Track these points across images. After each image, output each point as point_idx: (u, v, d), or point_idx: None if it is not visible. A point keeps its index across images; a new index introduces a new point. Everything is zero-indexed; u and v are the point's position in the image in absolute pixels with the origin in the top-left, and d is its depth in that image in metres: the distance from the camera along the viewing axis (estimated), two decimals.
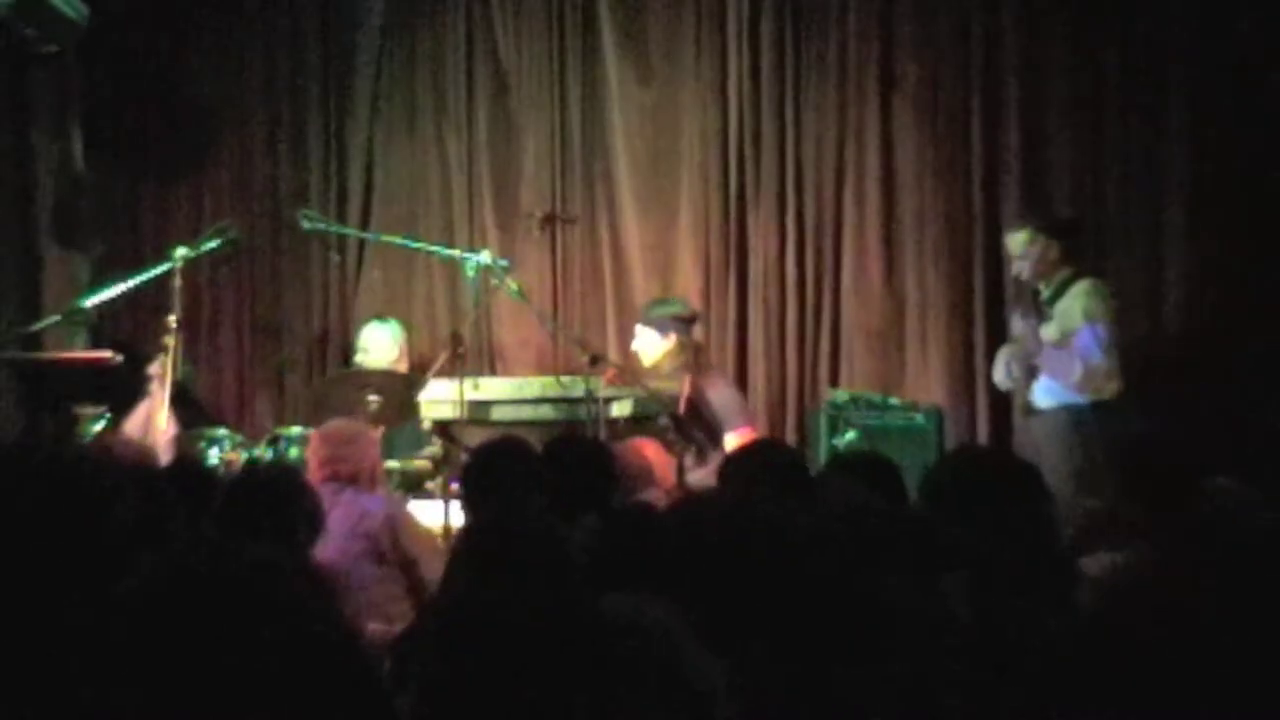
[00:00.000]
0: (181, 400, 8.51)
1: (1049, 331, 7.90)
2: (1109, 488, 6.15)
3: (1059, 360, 7.80)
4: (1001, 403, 8.71)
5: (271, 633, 2.39)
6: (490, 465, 5.77)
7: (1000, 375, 8.18)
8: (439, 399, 7.70)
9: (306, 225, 8.81)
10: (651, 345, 8.59)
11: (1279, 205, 8.52)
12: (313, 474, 6.50)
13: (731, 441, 7.90)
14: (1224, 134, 8.65)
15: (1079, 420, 7.75)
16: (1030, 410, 7.96)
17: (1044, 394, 7.93)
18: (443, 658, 2.45)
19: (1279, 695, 2.40)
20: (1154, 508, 4.90)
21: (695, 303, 9.44)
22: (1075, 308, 7.87)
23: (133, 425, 8.41)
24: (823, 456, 8.36)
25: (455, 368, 7.66)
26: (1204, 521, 4.47)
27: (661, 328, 8.63)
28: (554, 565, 3.95)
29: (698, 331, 8.88)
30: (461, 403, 7.48)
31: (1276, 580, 2.71)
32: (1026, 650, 3.31)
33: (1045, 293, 7.99)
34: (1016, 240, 8.09)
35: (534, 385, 7.94)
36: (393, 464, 8.15)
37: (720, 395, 8.34)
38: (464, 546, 4.29)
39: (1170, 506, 4.76)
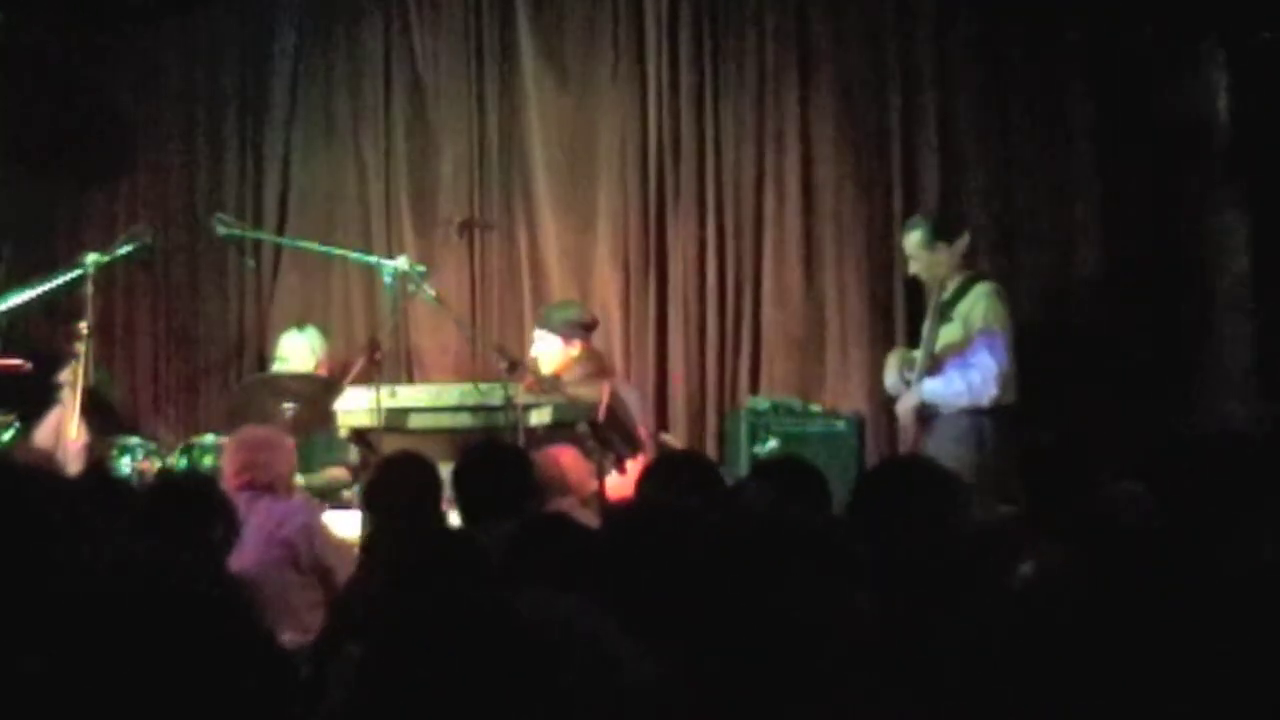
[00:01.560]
0: (94, 408, 8.45)
1: (951, 332, 7.98)
2: (1012, 492, 6.21)
3: (944, 385, 7.91)
4: (923, 411, 8.75)
5: (189, 640, 2.38)
6: (393, 480, 5.79)
7: (892, 380, 8.24)
8: (356, 407, 7.66)
9: (222, 231, 8.76)
10: (553, 351, 8.59)
11: (1186, 205, 8.63)
12: (229, 481, 6.49)
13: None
14: (1131, 133, 8.75)
15: (979, 425, 7.84)
16: (927, 412, 8.00)
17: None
18: (367, 663, 2.46)
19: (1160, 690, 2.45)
20: (1056, 513, 4.96)
21: (614, 308, 9.48)
22: (976, 311, 7.96)
23: (43, 434, 8.35)
24: (743, 464, 8.38)
25: (372, 375, 7.63)
26: (1104, 526, 4.53)
27: (565, 334, 8.62)
28: (467, 567, 3.96)
29: (596, 339, 8.91)
30: (379, 410, 7.45)
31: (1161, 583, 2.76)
32: (946, 660, 3.34)
33: (945, 294, 8.06)
34: (908, 240, 8.19)
35: (452, 392, 7.90)
36: (302, 479, 8.12)
37: (632, 401, 8.36)
38: (373, 552, 4.30)
39: (1072, 511, 4.82)
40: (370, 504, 5.90)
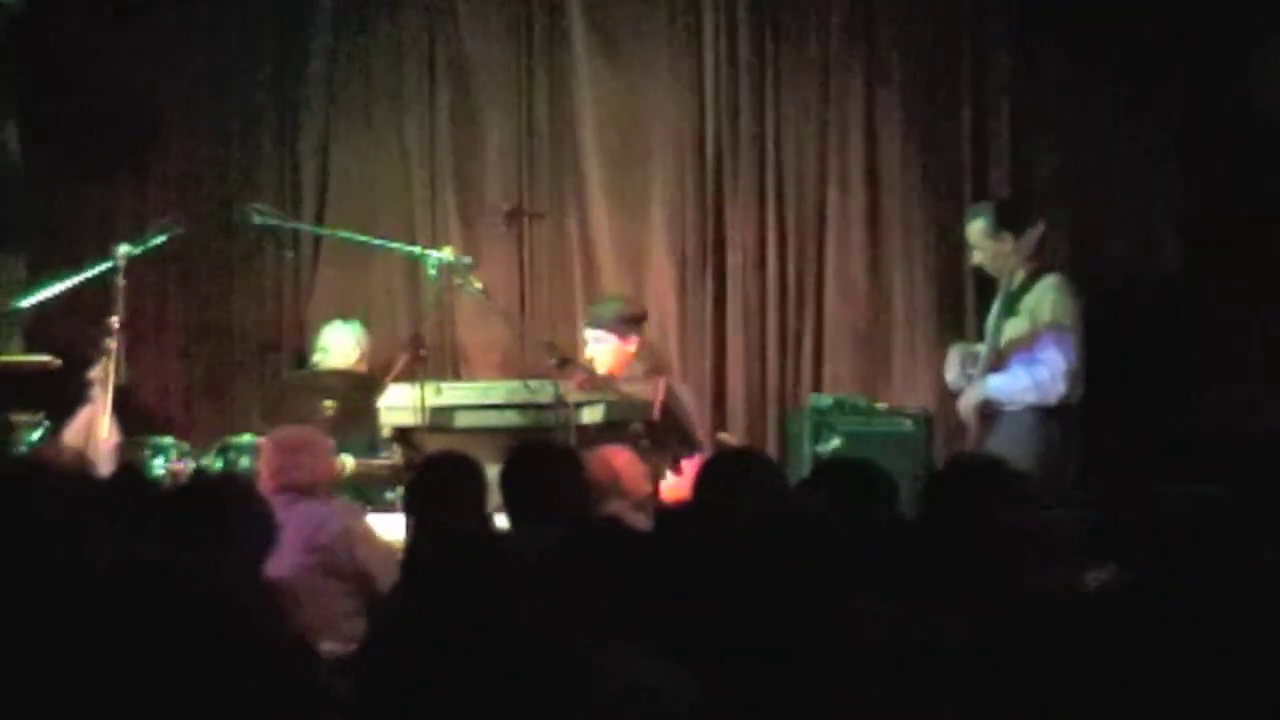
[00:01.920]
0: (126, 407, 8.50)
1: (1018, 326, 7.96)
2: (1078, 493, 6.20)
3: (1009, 382, 7.90)
4: (986, 408, 8.71)
5: (220, 651, 2.40)
6: (435, 481, 5.80)
7: (953, 375, 8.22)
8: (398, 405, 7.70)
9: (257, 220, 8.81)
10: (611, 349, 8.59)
11: (1271, 198, 8.59)
12: (265, 483, 6.49)
13: None
14: (1215, 122, 8.72)
15: (1044, 423, 7.86)
16: (990, 410, 7.99)
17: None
18: (391, 677, 2.47)
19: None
20: (1128, 516, 4.95)
21: (669, 301, 9.48)
22: (1044, 305, 7.97)
23: (73, 433, 8.39)
24: (806, 465, 8.37)
25: (416, 372, 7.66)
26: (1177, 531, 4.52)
27: (621, 330, 8.63)
28: (508, 577, 3.97)
29: (650, 334, 8.93)
30: (422, 409, 7.48)
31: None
32: (1011, 668, 3.34)
33: (1012, 285, 8.04)
34: (971, 229, 8.18)
35: (499, 390, 7.93)
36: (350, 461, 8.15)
37: (688, 397, 8.37)
38: (414, 558, 4.31)
39: (1144, 514, 4.82)
40: (411, 506, 5.92)
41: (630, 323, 8.68)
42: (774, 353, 9.47)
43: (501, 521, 5.91)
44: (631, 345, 8.61)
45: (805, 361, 9.44)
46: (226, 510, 5.21)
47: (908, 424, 8.70)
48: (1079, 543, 4.58)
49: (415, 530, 5.84)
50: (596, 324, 8.72)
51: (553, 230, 9.90)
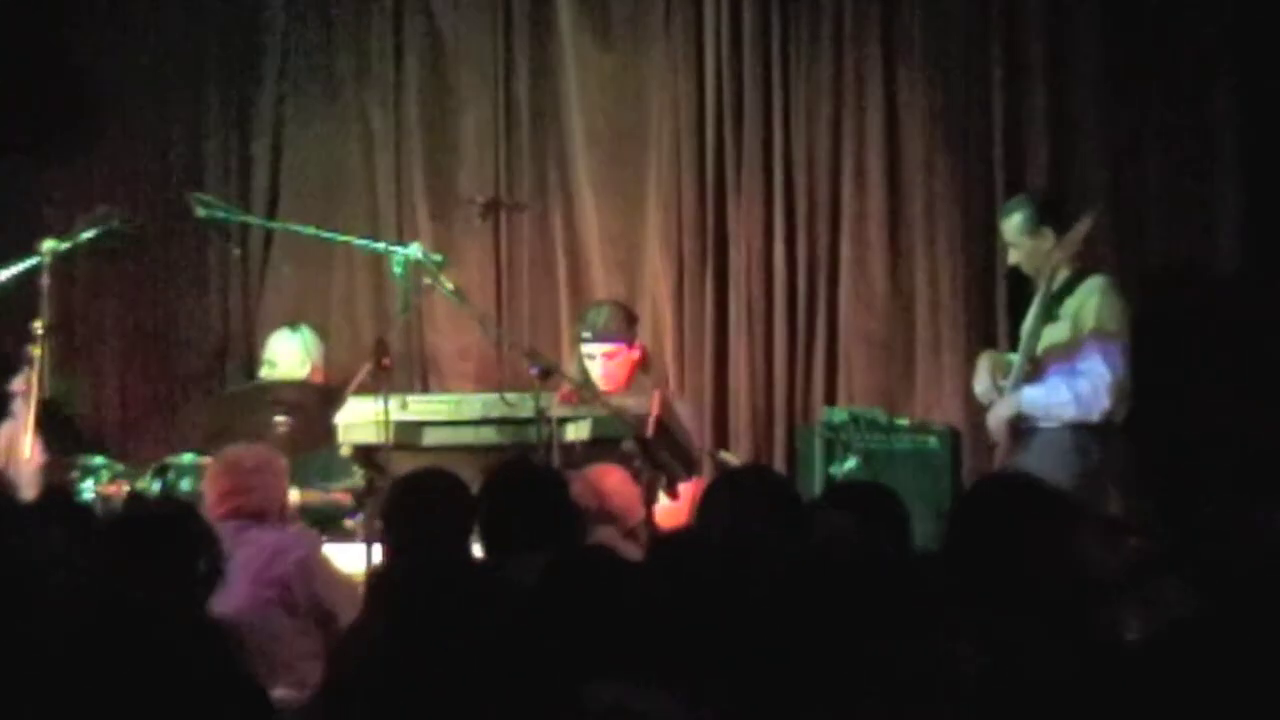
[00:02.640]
0: (53, 423, 8.45)
1: (1057, 332, 7.94)
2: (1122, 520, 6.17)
3: (1047, 394, 7.88)
4: (1018, 423, 8.66)
5: (162, 700, 2.36)
6: (414, 502, 5.76)
7: (983, 386, 8.19)
8: (360, 420, 7.66)
9: (202, 212, 8.76)
10: (624, 361, 8.59)
11: None
12: (211, 510, 6.52)
13: None
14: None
15: (1084, 442, 7.85)
16: (1024, 425, 7.96)
17: None
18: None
19: None
20: (1186, 546, 4.92)
21: (666, 304, 9.49)
22: (1088, 309, 7.95)
23: None
24: (817, 487, 8.37)
25: (380, 383, 7.62)
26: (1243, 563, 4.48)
27: (629, 337, 8.61)
28: (488, 615, 3.92)
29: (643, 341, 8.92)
30: (387, 424, 7.44)
31: None
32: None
33: (1051, 286, 8.01)
34: (1007, 225, 8.15)
35: (474, 404, 7.90)
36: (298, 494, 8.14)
37: (686, 412, 8.33)
38: (379, 592, 4.28)
39: (1206, 544, 4.78)
40: (386, 532, 5.87)
41: (632, 325, 8.70)
42: (782, 362, 9.44)
43: (476, 551, 5.89)
44: (637, 351, 8.63)
45: (817, 372, 9.41)
46: (168, 541, 5.17)
47: (932, 441, 8.72)
48: (1141, 575, 4.54)
49: (388, 558, 5.80)
50: (604, 336, 8.67)
51: (534, 225, 9.89)
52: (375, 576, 5.88)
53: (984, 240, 9.06)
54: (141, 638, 2.44)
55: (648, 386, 8.44)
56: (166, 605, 2.92)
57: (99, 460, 8.49)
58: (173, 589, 4.92)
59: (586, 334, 8.80)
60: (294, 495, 8.09)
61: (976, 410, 8.63)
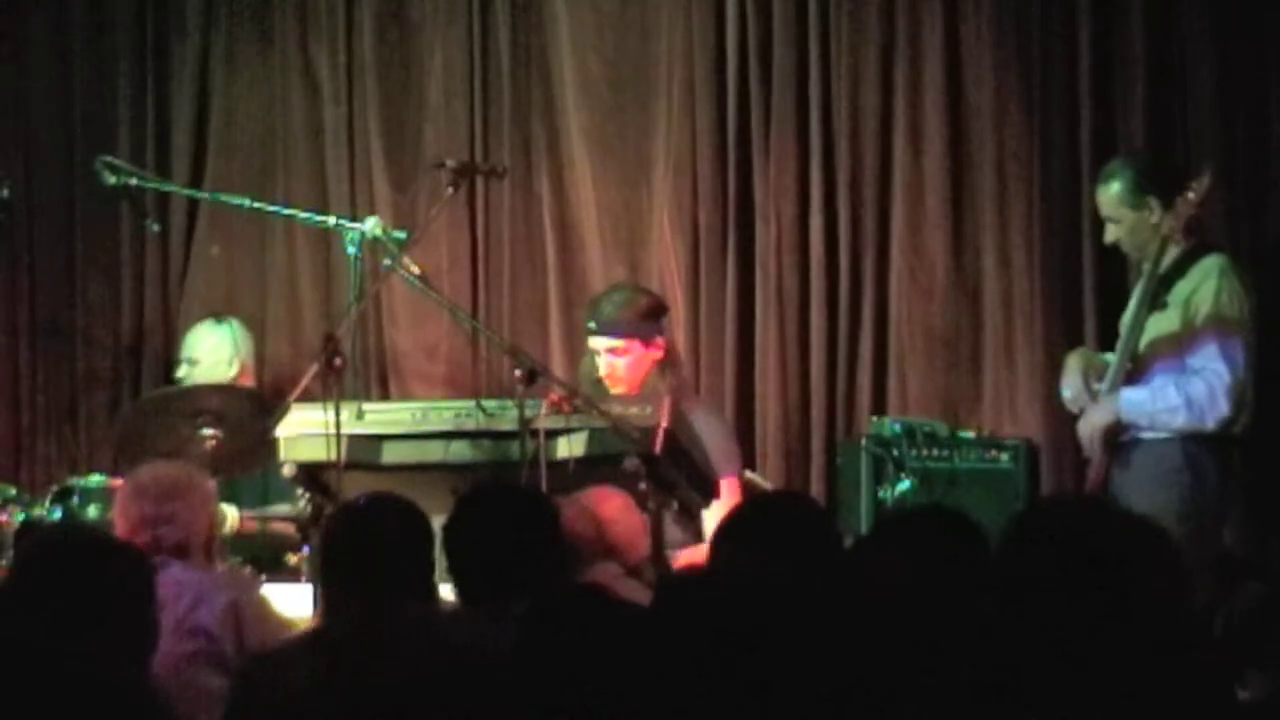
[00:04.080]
0: None
1: (1166, 323, 7.97)
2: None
3: (1152, 398, 7.90)
4: (1117, 433, 8.68)
5: None
6: (357, 540, 5.74)
7: (1074, 390, 8.20)
8: (305, 433, 7.67)
9: (110, 180, 8.76)
10: (638, 361, 8.57)
11: None
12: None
13: (724, 492, 7.94)
14: None
15: (1197, 456, 7.86)
16: (1124, 435, 7.98)
17: None
18: None
19: None
20: None
21: (676, 290, 9.53)
22: (1203, 296, 7.95)
23: None
24: (864, 515, 8.37)
25: (329, 388, 7.63)
26: None
27: (645, 333, 8.58)
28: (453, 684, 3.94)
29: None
30: (338, 438, 7.45)
31: None
32: None
33: (1158, 268, 8.02)
34: (1104, 196, 8.16)
35: (444, 413, 7.89)
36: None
37: (709, 425, 8.32)
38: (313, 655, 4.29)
39: None
40: (322, 580, 5.86)
41: (654, 320, 8.63)
42: (819, 363, 9.49)
43: (445, 593, 5.89)
44: (658, 350, 8.56)
45: (863, 375, 9.46)
46: (103, 580, 5.14)
47: (1004, 459, 8.76)
48: (1261, 626, 4.55)
49: (326, 609, 5.80)
50: (609, 329, 8.66)
51: (517, 195, 9.95)
52: (309, 636, 5.86)
53: (1067, 215, 9.09)
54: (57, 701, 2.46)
55: (661, 391, 8.42)
56: (106, 668, 2.92)
57: None
58: (110, 646, 4.86)
59: (591, 324, 8.79)
60: (230, 519, 8.12)
61: (1059, 421, 8.68)
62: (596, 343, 8.67)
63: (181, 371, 9.40)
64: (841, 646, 3.59)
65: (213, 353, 9.34)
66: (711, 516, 7.82)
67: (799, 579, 4.40)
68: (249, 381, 9.25)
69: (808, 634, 3.61)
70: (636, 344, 8.58)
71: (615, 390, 8.40)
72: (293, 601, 7.14)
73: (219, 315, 9.58)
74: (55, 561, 5.29)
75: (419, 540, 5.74)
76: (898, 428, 8.82)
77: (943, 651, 3.77)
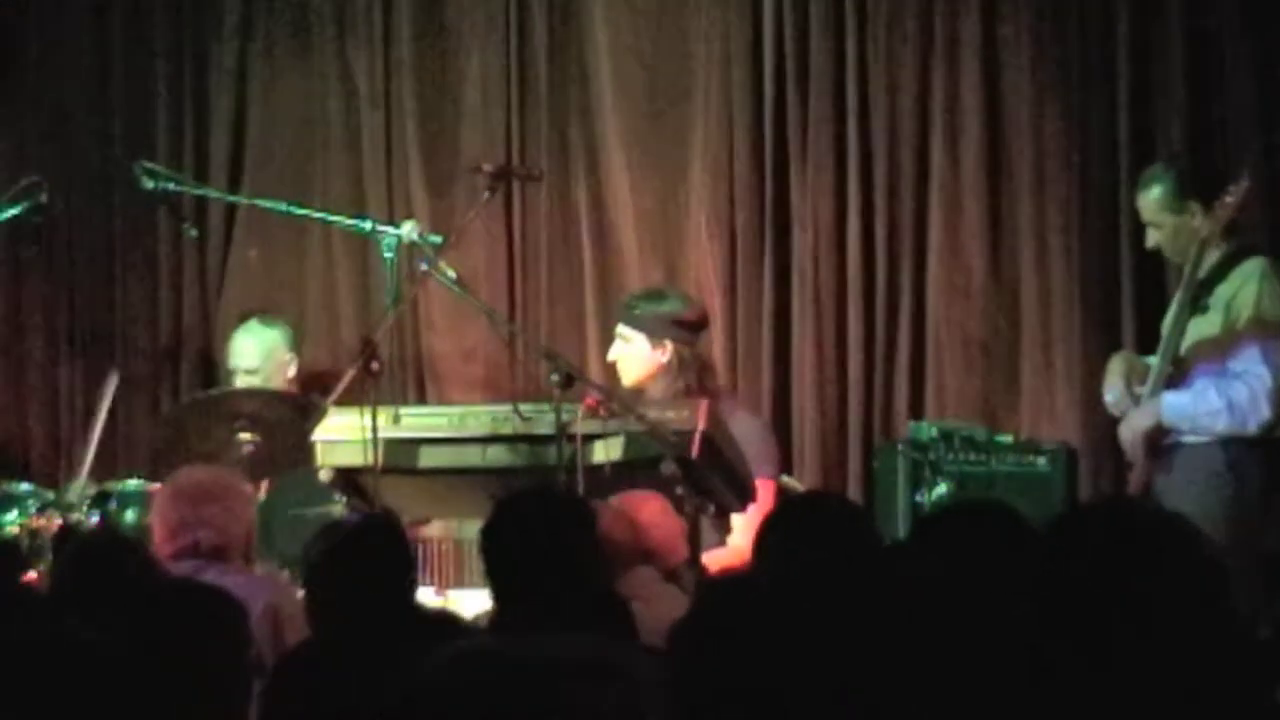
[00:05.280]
0: None
1: (1207, 325, 7.94)
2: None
3: (1194, 401, 7.86)
4: (1159, 437, 8.65)
5: None
6: (333, 560, 5.71)
7: (1115, 394, 8.17)
8: (342, 438, 7.66)
9: (149, 184, 8.77)
10: (638, 356, 8.55)
11: None
12: (160, 547, 6.56)
13: (759, 496, 7.90)
14: None
15: (1239, 461, 7.83)
16: (1166, 440, 7.95)
17: None
18: None
19: None
20: None
21: (713, 295, 9.46)
22: (1245, 298, 7.92)
23: None
24: (901, 519, 8.37)
25: (367, 391, 7.62)
26: None
27: (653, 331, 8.56)
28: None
29: (706, 344, 8.87)
30: (375, 442, 7.43)
31: None
32: None
33: (1198, 271, 7.99)
34: (1145, 200, 8.13)
35: (481, 417, 7.89)
36: None
37: (747, 430, 8.29)
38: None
39: None
40: (308, 608, 5.81)
41: (674, 326, 8.60)
42: (857, 366, 9.46)
43: (484, 600, 5.86)
44: (664, 354, 8.53)
45: (900, 378, 9.44)
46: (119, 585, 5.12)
47: (1042, 463, 8.72)
48: None
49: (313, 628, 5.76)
50: (628, 320, 8.65)
51: (554, 199, 9.94)
52: (284, 661, 5.80)
53: (1106, 219, 9.08)
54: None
55: (666, 391, 8.40)
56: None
57: (24, 487, 8.49)
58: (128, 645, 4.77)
59: (617, 313, 8.83)
60: None
61: (1099, 425, 8.67)
62: (618, 329, 8.70)
63: (240, 381, 9.32)
64: (884, 646, 3.56)
65: (250, 356, 9.30)
66: (741, 520, 7.81)
67: (843, 580, 4.37)
68: (295, 386, 9.24)
69: (843, 636, 3.57)
70: (641, 339, 8.58)
71: (625, 380, 8.41)
72: None
73: (263, 317, 9.53)
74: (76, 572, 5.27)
75: (388, 558, 5.70)
76: (935, 431, 8.80)
77: (983, 651, 3.74)
